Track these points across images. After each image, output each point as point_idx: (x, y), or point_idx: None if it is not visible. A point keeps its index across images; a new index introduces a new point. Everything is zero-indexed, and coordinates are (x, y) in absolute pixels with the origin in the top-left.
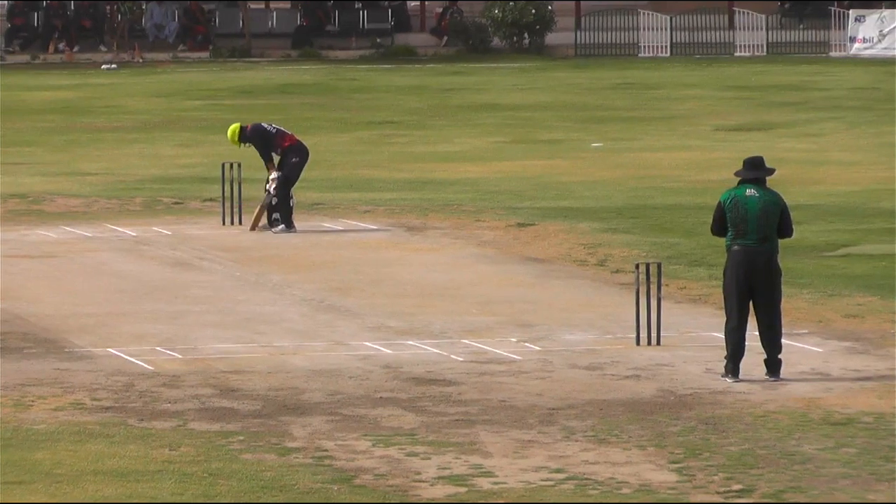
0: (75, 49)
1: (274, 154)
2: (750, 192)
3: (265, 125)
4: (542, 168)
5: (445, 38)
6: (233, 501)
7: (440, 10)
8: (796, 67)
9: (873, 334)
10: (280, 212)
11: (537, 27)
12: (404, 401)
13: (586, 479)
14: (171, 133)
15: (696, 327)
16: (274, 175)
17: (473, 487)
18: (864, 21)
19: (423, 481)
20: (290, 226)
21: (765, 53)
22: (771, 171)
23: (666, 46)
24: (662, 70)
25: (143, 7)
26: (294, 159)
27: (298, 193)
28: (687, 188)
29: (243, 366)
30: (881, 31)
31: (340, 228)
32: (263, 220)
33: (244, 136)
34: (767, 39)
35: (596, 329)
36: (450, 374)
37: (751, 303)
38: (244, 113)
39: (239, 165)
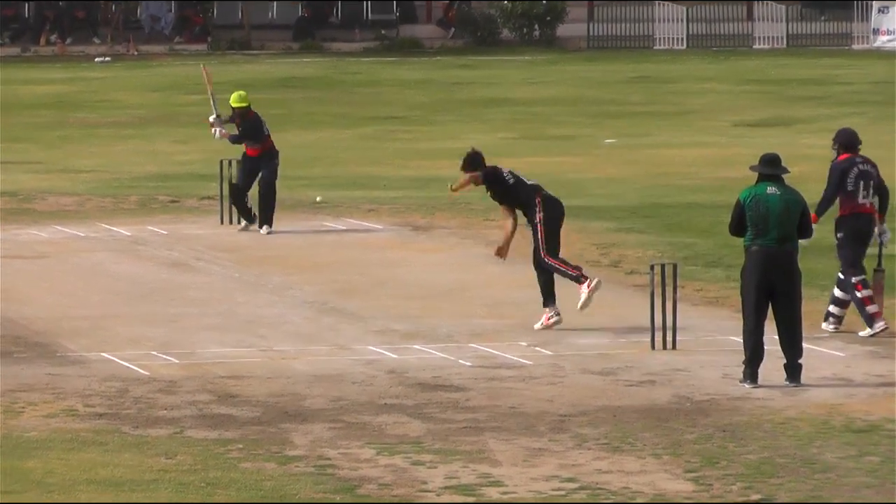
0: (68, 41)
1: (256, 143)
2: (771, 189)
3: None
4: (553, 165)
5: (452, 29)
6: None
7: (447, 0)
8: (817, 60)
9: None
10: (266, 212)
11: (548, 18)
12: (410, 407)
13: (599, 488)
14: (167, 129)
15: (713, 331)
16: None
17: (482, 497)
18: (888, 12)
19: (430, 491)
20: (271, 225)
21: (785, 46)
22: (787, 170)
23: (682, 38)
24: (678, 63)
25: None
26: (276, 161)
27: (299, 191)
28: (704, 186)
29: (242, 371)
30: None
31: (343, 228)
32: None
33: (246, 114)
34: (787, 31)
35: (609, 333)
36: (457, 380)
37: (770, 305)
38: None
39: (238, 162)
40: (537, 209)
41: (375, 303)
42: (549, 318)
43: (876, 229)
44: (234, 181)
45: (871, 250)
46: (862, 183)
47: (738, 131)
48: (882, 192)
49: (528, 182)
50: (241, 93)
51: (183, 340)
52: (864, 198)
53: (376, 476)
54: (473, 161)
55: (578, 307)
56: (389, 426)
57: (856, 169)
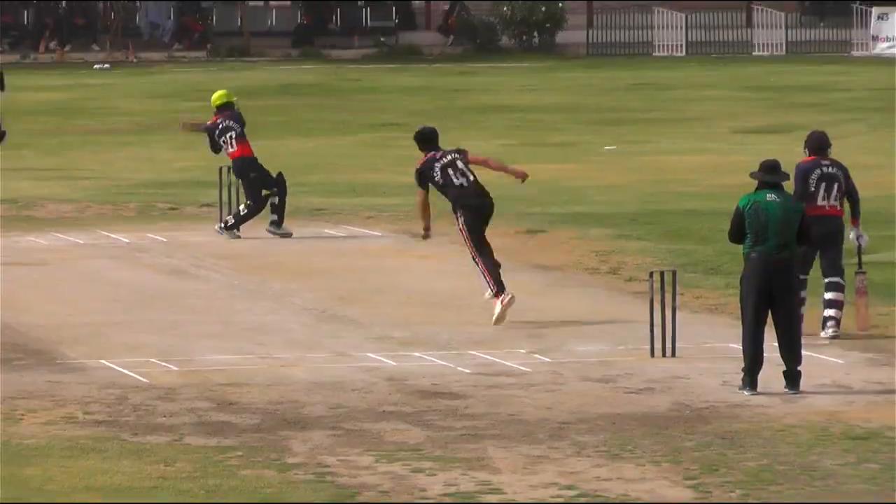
0: (67, 48)
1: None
2: (770, 197)
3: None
4: (553, 172)
5: (452, 36)
6: None
7: (446, 7)
8: (817, 67)
9: None
10: (248, 218)
11: (547, 25)
12: (409, 414)
13: (598, 495)
14: (166, 136)
15: (713, 338)
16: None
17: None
18: (888, 19)
19: (429, 498)
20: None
21: (784, 52)
22: (787, 177)
23: (681, 45)
24: (678, 70)
25: (138, 5)
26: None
27: (298, 197)
28: (703, 193)
29: (242, 378)
30: None
31: (343, 235)
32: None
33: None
34: (787, 38)
35: (608, 340)
36: (456, 387)
37: (769, 313)
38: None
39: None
40: (458, 216)
41: (375, 310)
42: (503, 302)
43: (852, 234)
44: (237, 188)
45: (867, 257)
46: (824, 185)
47: (737, 138)
48: (852, 196)
49: (456, 183)
50: (225, 93)
51: (182, 348)
52: (824, 199)
53: (375, 483)
54: (422, 138)
55: (493, 322)
56: (388, 433)
57: (819, 171)
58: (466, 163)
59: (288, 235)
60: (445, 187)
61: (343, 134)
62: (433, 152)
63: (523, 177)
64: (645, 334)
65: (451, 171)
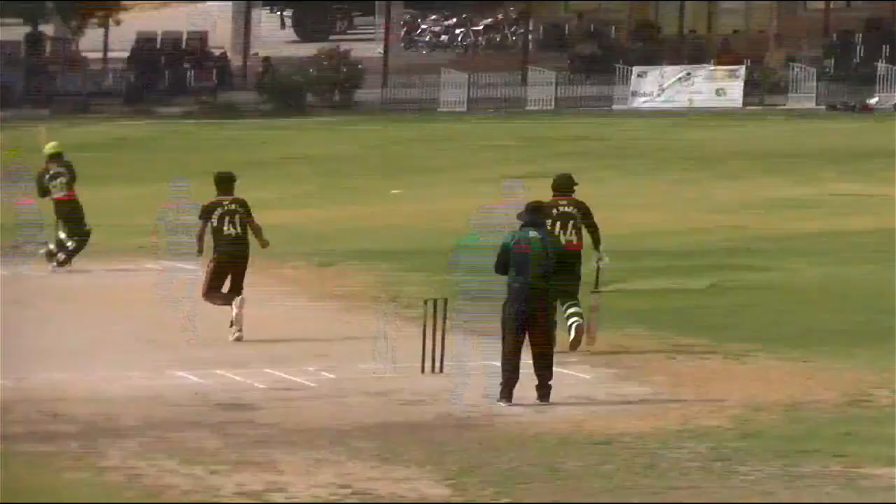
0: None
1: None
2: (533, 234)
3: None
4: (346, 213)
5: (265, 95)
6: None
7: (261, 69)
8: (582, 119)
9: (638, 362)
10: (76, 252)
11: (347, 84)
12: (210, 424)
13: (368, 493)
14: (10, 185)
15: (477, 356)
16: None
17: (268, 502)
18: (646, 76)
19: (223, 497)
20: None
21: (553, 107)
22: (549, 216)
23: (463, 101)
24: (459, 123)
25: None
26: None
27: (124, 238)
28: (476, 231)
29: (67, 394)
30: (661, 85)
31: (159, 269)
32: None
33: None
34: (556, 94)
35: (386, 359)
36: (252, 400)
37: (527, 334)
38: (79, 166)
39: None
40: (213, 257)
41: (186, 334)
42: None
43: (594, 258)
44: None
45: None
46: (559, 223)
47: (507, 183)
48: (592, 231)
49: (225, 232)
50: (56, 145)
51: (17, 368)
52: (561, 236)
53: (178, 484)
54: (219, 181)
55: (234, 333)
56: (192, 441)
57: (555, 210)
58: (244, 218)
59: (59, 267)
60: (216, 230)
61: (167, 181)
62: (224, 196)
63: (266, 245)
64: (418, 353)
65: (227, 220)
